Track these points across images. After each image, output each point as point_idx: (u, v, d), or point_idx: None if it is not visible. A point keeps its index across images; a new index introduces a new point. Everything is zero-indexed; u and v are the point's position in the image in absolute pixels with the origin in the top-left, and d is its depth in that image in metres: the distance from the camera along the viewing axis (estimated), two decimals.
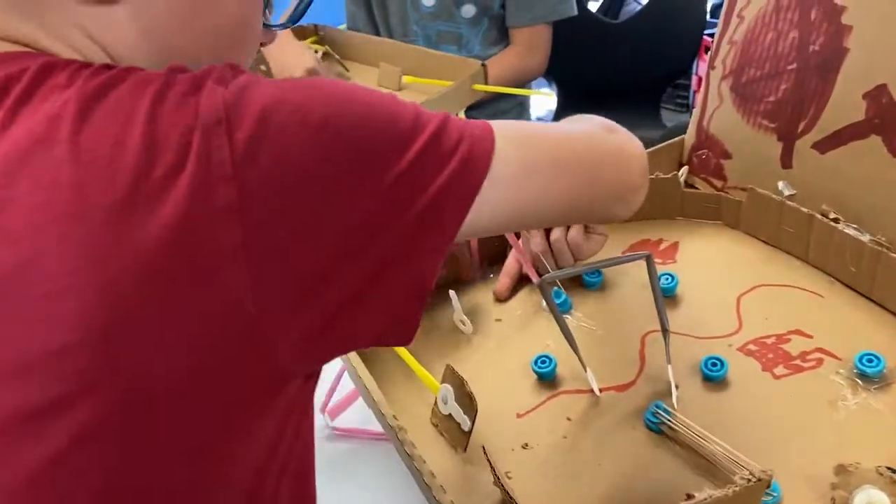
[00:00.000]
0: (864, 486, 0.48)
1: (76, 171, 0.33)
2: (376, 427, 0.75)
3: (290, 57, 1.27)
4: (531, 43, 1.41)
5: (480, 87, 1.22)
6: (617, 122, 2.02)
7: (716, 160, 0.78)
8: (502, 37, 1.44)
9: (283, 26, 0.45)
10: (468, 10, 1.38)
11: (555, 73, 2.14)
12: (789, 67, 0.68)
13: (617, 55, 2.07)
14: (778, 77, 0.69)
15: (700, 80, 2.50)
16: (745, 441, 0.54)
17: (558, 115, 2.20)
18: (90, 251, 0.32)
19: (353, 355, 0.63)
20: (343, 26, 1.53)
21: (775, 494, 0.51)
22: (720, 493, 0.45)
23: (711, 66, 0.76)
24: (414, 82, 1.30)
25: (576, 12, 1.40)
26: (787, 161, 0.71)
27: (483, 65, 1.22)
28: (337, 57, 1.39)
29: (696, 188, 0.81)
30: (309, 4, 0.45)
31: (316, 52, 1.40)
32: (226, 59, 0.40)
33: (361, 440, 0.76)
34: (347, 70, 1.39)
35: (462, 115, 1.26)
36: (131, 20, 0.40)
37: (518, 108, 1.54)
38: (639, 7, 2.26)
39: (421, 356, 0.65)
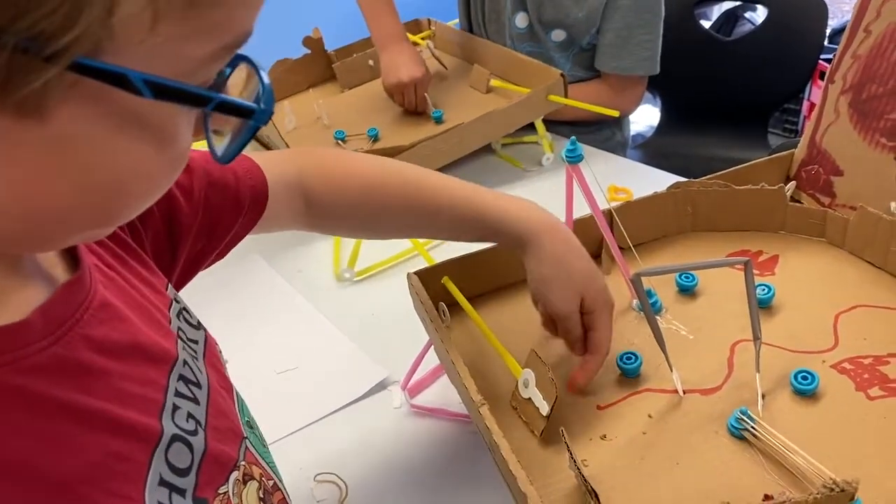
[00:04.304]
0: None
1: None
2: (454, 408, 0.77)
3: (402, 60, 1.30)
4: (619, 87, 1.40)
5: (556, 98, 1.21)
6: (722, 142, 1.98)
7: (825, 177, 0.76)
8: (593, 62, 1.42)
9: (222, 160, 0.36)
10: (558, 35, 1.38)
11: (660, 87, 2.12)
12: None
13: (726, 74, 2.02)
14: None
15: (812, 105, 2.42)
16: (831, 457, 0.52)
17: (661, 130, 2.17)
18: None
19: (442, 332, 0.65)
20: (453, 22, 1.55)
21: None
22: (800, 498, 0.44)
23: (831, 80, 0.74)
24: (500, 86, 1.31)
25: (658, 71, 1.37)
26: None
27: (562, 75, 1.21)
28: (436, 54, 1.42)
29: (802, 204, 0.79)
30: (248, 140, 0.35)
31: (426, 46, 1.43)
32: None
33: (439, 419, 0.77)
34: (446, 68, 1.42)
35: (540, 123, 1.26)
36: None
37: (612, 129, 1.51)
38: (753, 27, 2.20)
39: (508, 344, 0.66)
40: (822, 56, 2.00)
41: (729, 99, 2.05)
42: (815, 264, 0.74)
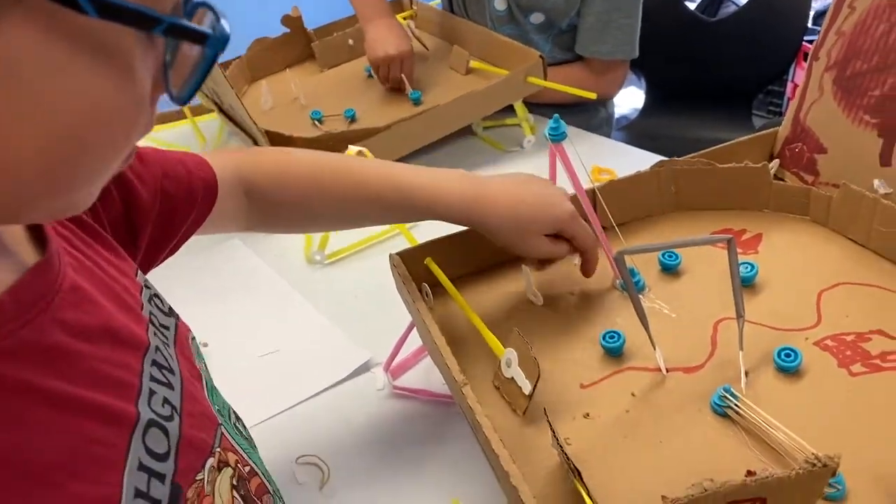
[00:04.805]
0: None
1: None
2: (437, 389, 0.77)
3: (389, 33, 1.28)
4: (600, 71, 1.39)
5: (535, 80, 1.20)
6: (706, 124, 1.99)
7: (809, 154, 0.76)
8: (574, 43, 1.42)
9: (181, 101, 0.34)
10: (537, 18, 1.37)
11: (644, 68, 2.11)
12: None
13: (711, 55, 2.03)
14: (886, 71, 0.67)
15: (795, 87, 2.43)
16: (814, 433, 0.52)
17: (645, 112, 2.17)
18: None
19: (425, 313, 0.64)
20: (435, 2, 1.54)
21: (840, 488, 0.50)
22: (782, 474, 0.44)
23: (815, 57, 0.74)
24: (479, 68, 1.31)
25: (637, 55, 1.37)
26: (886, 158, 0.68)
27: (541, 57, 1.20)
28: (417, 34, 1.40)
29: (785, 182, 0.79)
30: (205, 73, 0.33)
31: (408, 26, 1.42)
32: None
33: (422, 400, 0.77)
34: (427, 49, 1.41)
35: (520, 105, 1.25)
36: None
37: (595, 107, 1.50)
38: (737, 8, 2.20)
39: (491, 324, 0.66)
40: (806, 38, 2.00)
41: (713, 80, 2.05)
42: (798, 242, 0.73)
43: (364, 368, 0.82)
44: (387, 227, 1.02)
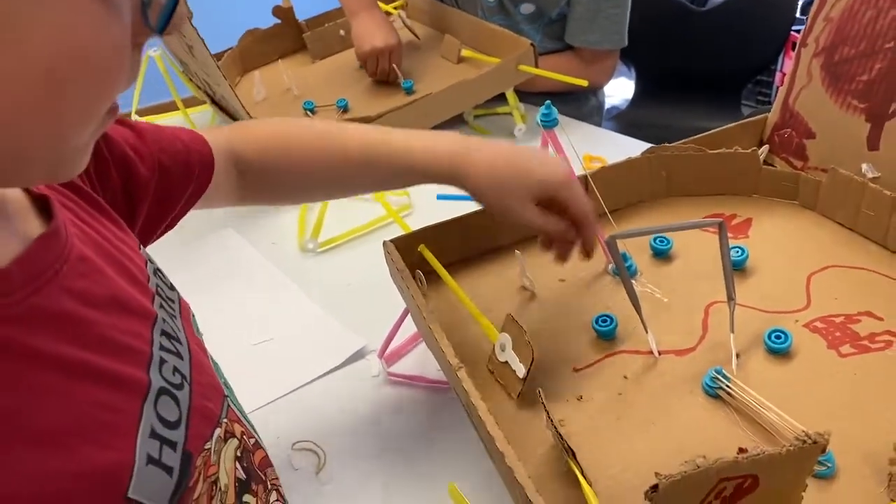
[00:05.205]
0: None
1: None
2: (432, 375, 0.77)
3: (375, 27, 1.28)
4: (590, 60, 1.39)
5: (526, 68, 1.21)
6: (695, 112, 1.98)
7: (798, 140, 0.77)
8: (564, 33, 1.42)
9: (159, 28, 0.33)
10: (527, 8, 1.37)
11: (634, 57, 2.12)
12: (886, 46, 0.66)
13: (700, 44, 2.03)
14: (873, 56, 0.68)
15: (784, 76, 2.44)
16: (804, 413, 0.53)
17: (635, 101, 2.17)
18: None
19: (419, 299, 0.64)
20: None
21: (830, 465, 0.50)
22: (774, 451, 0.45)
23: (803, 44, 0.75)
24: (471, 56, 1.31)
25: (626, 44, 1.37)
26: (874, 143, 0.69)
27: (532, 45, 1.21)
28: (408, 24, 1.40)
29: (775, 167, 0.80)
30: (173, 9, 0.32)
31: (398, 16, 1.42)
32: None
33: (417, 386, 0.77)
34: (418, 38, 1.41)
35: (511, 93, 1.25)
36: None
37: (586, 95, 1.51)
38: None
39: (484, 310, 0.66)
40: (794, 28, 2.01)
41: (702, 70, 2.06)
42: (787, 226, 0.74)
43: (359, 355, 0.82)
44: (379, 214, 1.02)
